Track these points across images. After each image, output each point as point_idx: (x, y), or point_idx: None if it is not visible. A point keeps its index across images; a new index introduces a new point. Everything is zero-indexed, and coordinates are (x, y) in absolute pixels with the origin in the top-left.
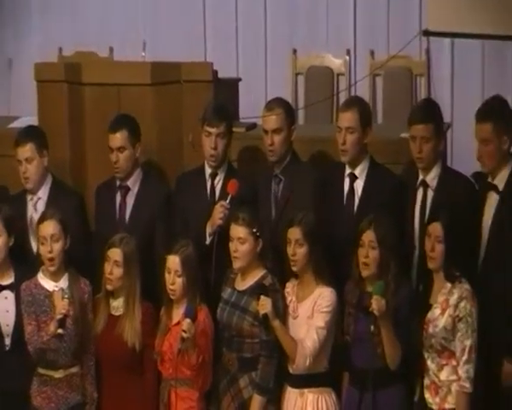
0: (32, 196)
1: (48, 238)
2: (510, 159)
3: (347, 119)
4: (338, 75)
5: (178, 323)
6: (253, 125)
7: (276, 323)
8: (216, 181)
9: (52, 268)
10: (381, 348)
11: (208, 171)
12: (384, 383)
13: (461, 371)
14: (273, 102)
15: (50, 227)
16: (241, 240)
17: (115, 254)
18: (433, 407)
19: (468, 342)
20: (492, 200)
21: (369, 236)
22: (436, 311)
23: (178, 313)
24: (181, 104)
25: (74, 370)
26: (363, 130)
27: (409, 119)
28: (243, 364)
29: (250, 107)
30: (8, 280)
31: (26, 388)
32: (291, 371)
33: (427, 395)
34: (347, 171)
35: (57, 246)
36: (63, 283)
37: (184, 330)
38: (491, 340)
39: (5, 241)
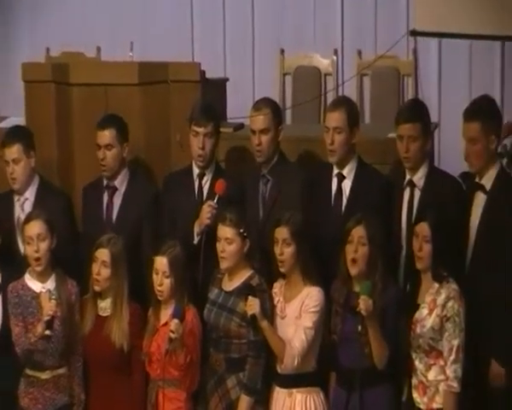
0: (19, 196)
1: (34, 238)
2: (497, 159)
3: (335, 119)
4: (325, 75)
5: (166, 324)
6: (241, 126)
7: (264, 323)
8: (204, 181)
9: (39, 268)
10: (368, 347)
11: (196, 171)
12: (371, 382)
13: (448, 371)
14: (260, 103)
15: (36, 227)
16: (229, 240)
17: (103, 254)
18: (421, 406)
19: (455, 342)
20: (480, 200)
21: (358, 232)
22: (424, 311)
23: (166, 313)
24: (168, 104)
25: (61, 371)
26: (350, 130)
27: (396, 118)
28: (231, 364)
29: (237, 107)
30: None
31: (14, 388)
32: (279, 371)
33: (414, 395)
34: (335, 171)
35: (43, 245)
36: (50, 284)
37: (172, 331)
38: (479, 340)
39: None
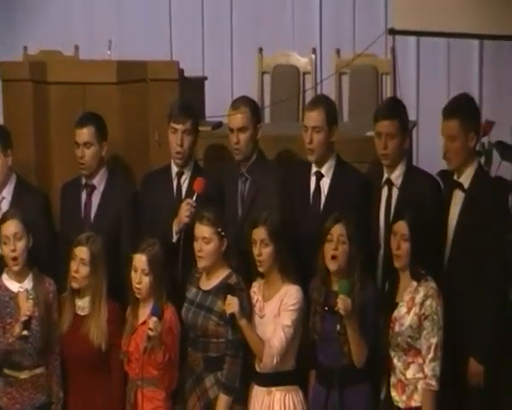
0: None
1: (11, 237)
2: (476, 157)
3: (313, 118)
4: (304, 74)
5: (145, 322)
6: (219, 124)
7: (243, 322)
8: (182, 179)
9: (16, 267)
10: (347, 346)
11: (175, 169)
12: (350, 381)
13: (427, 369)
14: (239, 101)
15: (12, 226)
16: (206, 240)
17: (82, 252)
18: (400, 404)
19: (433, 340)
20: (458, 198)
21: (338, 230)
22: (402, 309)
23: (145, 312)
24: (147, 103)
25: (39, 371)
26: (329, 129)
27: (374, 115)
28: (209, 364)
29: (216, 105)
30: None
31: None
32: (258, 369)
33: (393, 393)
34: (313, 169)
35: (20, 245)
36: (28, 283)
37: (151, 329)
38: (457, 338)
39: None
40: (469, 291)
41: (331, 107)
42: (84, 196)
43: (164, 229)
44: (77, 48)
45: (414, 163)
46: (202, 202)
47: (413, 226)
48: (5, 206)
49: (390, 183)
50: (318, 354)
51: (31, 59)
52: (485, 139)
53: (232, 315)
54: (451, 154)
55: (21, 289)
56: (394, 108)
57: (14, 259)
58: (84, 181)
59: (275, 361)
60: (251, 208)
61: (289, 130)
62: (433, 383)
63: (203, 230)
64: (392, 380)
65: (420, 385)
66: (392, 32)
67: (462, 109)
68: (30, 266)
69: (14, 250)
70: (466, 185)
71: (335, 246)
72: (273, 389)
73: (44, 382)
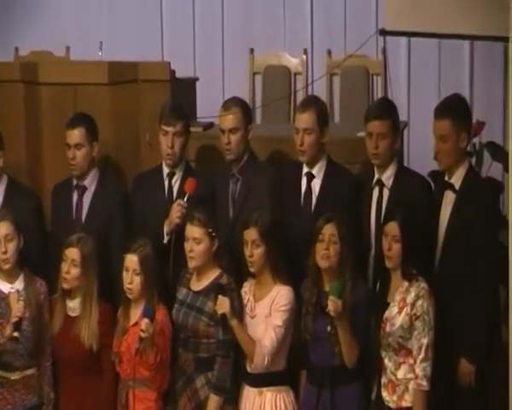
0: None
1: (1, 239)
2: (467, 158)
3: (304, 120)
4: (295, 74)
5: (136, 323)
6: (211, 125)
7: (234, 322)
8: (173, 180)
9: (7, 266)
10: (338, 346)
11: (166, 170)
12: (342, 381)
13: (418, 370)
14: (230, 102)
15: (3, 228)
16: (197, 240)
17: (73, 253)
18: (391, 405)
19: (424, 341)
20: (449, 199)
21: (329, 230)
22: (393, 309)
23: (136, 313)
24: (138, 104)
25: (30, 372)
26: (320, 130)
27: (365, 115)
28: (199, 364)
29: (207, 106)
30: None
31: None
32: (249, 370)
33: (384, 394)
34: (305, 170)
35: (11, 246)
36: (19, 284)
37: (143, 330)
38: (448, 338)
39: None
40: (460, 291)
41: (322, 108)
42: (75, 196)
43: (155, 229)
44: (68, 49)
45: (405, 164)
46: (193, 203)
47: (404, 227)
48: None
49: (381, 183)
50: (310, 353)
51: (22, 60)
52: (476, 140)
53: (223, 315)
54: (443, 154)
55: (12, 290)
56: (385, 109)
57: (5, 260)
58: (75, 182)
59: (266, 362)
60: (242, 209)
61: (280, 131)
62: (424, 383)
63: (194, 230)
64: (383, 380)
65: (411, 385)
66: (383, 32)
67: (454, 109)
68: (21, 266)
69: (5, 252)
70: (457, 186)
71: (327, 246)
72: (264, 389)
73: (36, 383)
